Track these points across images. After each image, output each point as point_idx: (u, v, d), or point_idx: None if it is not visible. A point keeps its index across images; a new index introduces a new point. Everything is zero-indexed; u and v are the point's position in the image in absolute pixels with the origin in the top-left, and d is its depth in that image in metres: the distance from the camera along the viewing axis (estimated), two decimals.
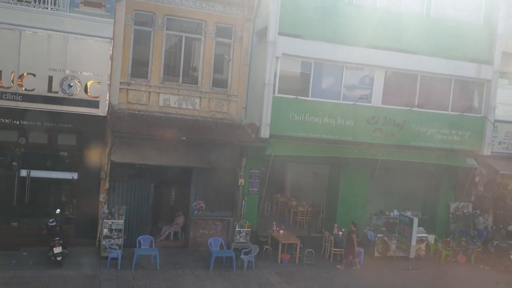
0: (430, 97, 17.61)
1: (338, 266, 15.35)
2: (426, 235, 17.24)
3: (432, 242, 17.57)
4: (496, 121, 17.96)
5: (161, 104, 15.78)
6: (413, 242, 15.47)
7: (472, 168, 18.04)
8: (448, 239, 17.53)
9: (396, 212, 17.37)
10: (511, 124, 18.51)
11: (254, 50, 16.48)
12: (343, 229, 16.38)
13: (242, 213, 16.29)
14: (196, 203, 16.23)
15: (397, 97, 17.25)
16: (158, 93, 15.77)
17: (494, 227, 18.83)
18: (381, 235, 16.76)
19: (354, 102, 16.42)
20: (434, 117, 17.27)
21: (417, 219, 15.89)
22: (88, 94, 14.73)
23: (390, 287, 14.06)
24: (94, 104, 14.80)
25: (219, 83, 16.52)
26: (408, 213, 16.72)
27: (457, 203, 18.58)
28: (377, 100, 16.85)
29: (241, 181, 16.31)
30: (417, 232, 15.72)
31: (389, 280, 14.65)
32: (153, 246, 14.50)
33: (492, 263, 16.86)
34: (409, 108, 17.05)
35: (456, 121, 17.50)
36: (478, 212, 18.74)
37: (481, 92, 18.02)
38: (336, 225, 16.61)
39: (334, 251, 16.04)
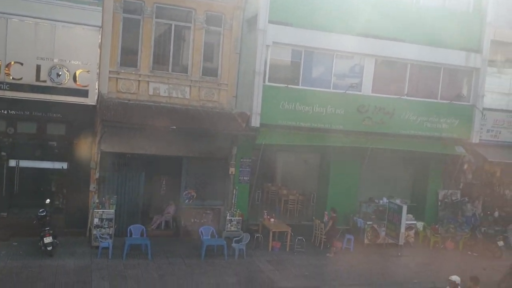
0: (419, 86, 17.71)
1: (328, 254, 15.50)
2: (415, 222, 17.45)
3: (421, 229, 17.80)
4: (484, 109, 18.11)
5: (151, 93, 15.69)
6: (402, 229, 15.65)
7: (460, 156, 18.22)
8: (436, 226, 17.76)
9: (385, 200, 17.53)
10: (499, 112, 18.70)
11: (244, 38, 16.42)
12: None
13: (233, 202, 16.35)
14: (186, 192, 16.24)
15: (387, 85, 17.31)
16: (148, 81, 15.67)
17: (482, 214, 19.09)
18: (370, 222, 16.93)
19: (344, 91, 16.46)
20: (423, 106, 17.37)
21: (406, 206, 16.07)
22: (77, 83, 14.61)
23: (379, 273, 14.23)
24: (83, 93, 14.69)
25: (209, 71, 16.45)
26: (397, 201, 16.89)
27: (446, 190, 18.80)
28: (367, 88, 16.90)
29: (232, 170, 16.34)
30: (406, 219, 15.90)
31: (378, 266, 14.83)
32: (144, 235, 14.51)
33: (479, 249, 17.12)
34: (399, 96, 17.13)
35: (445, 109, 17.63)
36: (466, 199, 18.99)
37: (470, 80, 18.16)
38: (326, 213, 16.70)
39: (324, 238, 16.18)
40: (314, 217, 17.43)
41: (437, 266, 15.24)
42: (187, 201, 16.24)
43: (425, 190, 18.92)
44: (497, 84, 18.81)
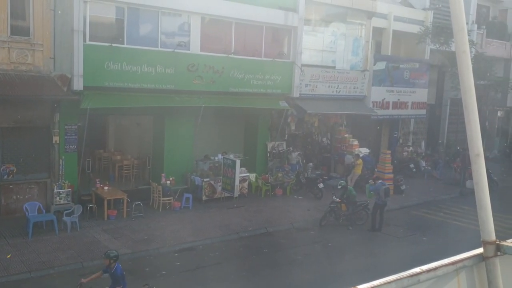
0: (245, 44, 18.35)
1: None
2: (247, 174, 18.48)
3: (254, 180, 18.95)
4: (302, 65, 19.64)
5: None
6: (237, 182, 16.47)
7: (284, 110, 19.64)
8: (267, 175, 19.09)
9: (220, 156, 18.13)
10: (315, 68, 20.44)
11: None
12: (171, 178, 16.53)
13: (60, 173, 15.15)
14: (4, 167, 14.49)
15: (215, 44, 17.54)
16: None
17: (305, 161, 21.09)
18: (208, 179, 17.39)
19: (172, 49, 16.19)
20: (249, 63, 18.11)
21: (239, 160, 16.87)
22: None
23: (215, 227, 14.82)
24: None
25: (20, 30, 14.54)
26: (231, 156, 17.62)
27: (273, 142, 20.21)
28: (195, 47, 16.87)
29: (56, 138, 15.01)
30: (239, 172, 16.73)
31: (216, 220, 15.43)
32: None
33: (304, 192, 19.02)
34: (227, 55, 17.53)
35: (269, 67, 18.65)
36: (291, 149, 20.74)
37: (289, 38, 19.41)
38: (163, 174, 16.64)
39: (163, 200, 16.14)
40: (151, 180, 17.20)
41: (268, 212, 16.49)
42: (5, 176, 14.51)
43: (255, 144, 20.06)
44: (312, 42, 20.48)
